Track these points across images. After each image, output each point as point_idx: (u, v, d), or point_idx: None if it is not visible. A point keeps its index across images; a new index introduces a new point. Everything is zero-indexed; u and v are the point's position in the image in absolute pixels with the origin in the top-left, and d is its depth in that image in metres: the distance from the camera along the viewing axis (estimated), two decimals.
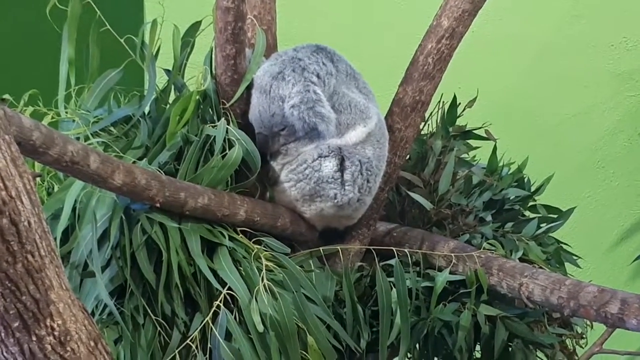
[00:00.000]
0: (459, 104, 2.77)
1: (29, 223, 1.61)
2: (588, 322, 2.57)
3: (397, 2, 3.41)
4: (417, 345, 2.48)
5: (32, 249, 1.62)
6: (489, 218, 2.68)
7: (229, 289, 2.22)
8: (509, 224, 2.68)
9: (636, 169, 3.85)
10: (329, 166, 2.40)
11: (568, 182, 3.55)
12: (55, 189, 2.39)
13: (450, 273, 2.44)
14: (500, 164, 2.79)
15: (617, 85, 3.78)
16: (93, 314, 2.24)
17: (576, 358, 2.65)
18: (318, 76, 2.38)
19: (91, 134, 2.37)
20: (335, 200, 2.42)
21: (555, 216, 2.78)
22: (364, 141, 2.44)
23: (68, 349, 1.71)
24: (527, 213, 2.79)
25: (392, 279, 2.41)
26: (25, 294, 1.63)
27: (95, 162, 2.02)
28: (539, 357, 2.53)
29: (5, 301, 1.62)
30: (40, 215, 1.66)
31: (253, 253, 2.30)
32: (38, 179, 2.32)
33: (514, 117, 3.62)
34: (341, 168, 2.41)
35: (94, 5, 2.40)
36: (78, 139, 2.32)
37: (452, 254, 2.46)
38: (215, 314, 2.21)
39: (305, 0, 3.39)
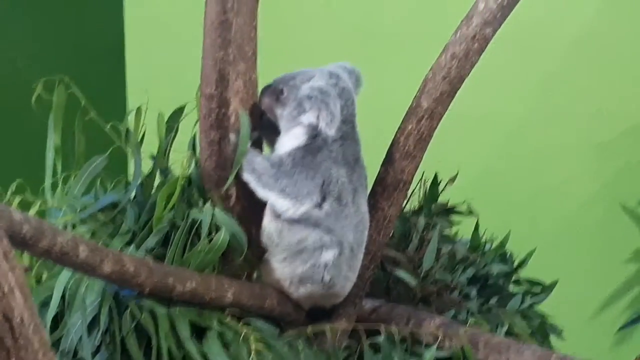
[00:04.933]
0: (440, 181, 2.82)
1: (22, 319, 1.63)
2: None
3: (380, 83, 3.46)
4: None
5: (25, 343, 1.64)
6: (473, 293, 2.71)
7: None
8: (494, 299, 2.71)
9: (616, 238, 3.88)
10: (329, 256, 2.43)
11: (550, 251, 3.57)
12: (44, 276, 2.40)
13: (438, 349, 2.45)
14: (483, 239, 2.83)
15: (595, 155, 3.82)
16: None
17: None
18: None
19: (79, 221, 2.39)
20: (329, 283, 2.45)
21: (539, 289, 2.82)
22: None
23: None
24: (511, 287, 2.82)
25: (379, 356, 2.42)
26: None
27: (84, 252, 2.04)
28: None
29: None
30: (33, 308, 1.68)
31: (242, 335, 2.31)
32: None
33: (494, 191, 3.66)
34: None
35: (78, 94, 2.45)
36: (66, 227, 2.35)
37: (439, 331, 2.48)
38: None
39: None
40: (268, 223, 2.42)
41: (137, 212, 2.44)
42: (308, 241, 2.42)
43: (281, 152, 2.43)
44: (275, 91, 2.45)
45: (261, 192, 2.41)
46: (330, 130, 2.37)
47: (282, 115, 2.44)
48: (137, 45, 3.50)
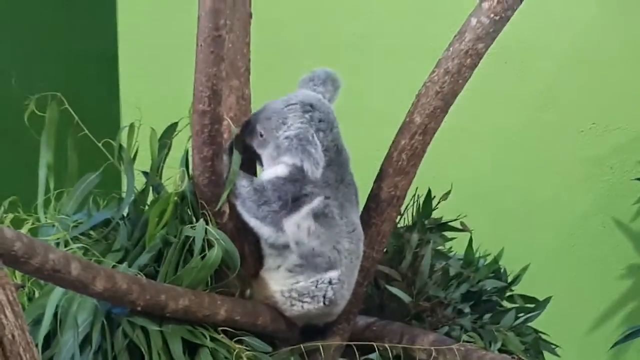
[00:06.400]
0: (434, 197, 2.81)
1: (13, 336, 1.63)
2: None
3: (372, 97, 3.46)
4: None
5: None
6: (467, 310, 2.70)
7: None
8: (487, 315, 2.71)
9: (611, 252, 3.89)
10: (334, 274, 2.44)
11: (544, 267, 3.58)
12: (36, 294, 2.39)
13: None
14: (477, 254, 2.83)
15: (588, 170, 3.83)
16: None
17: None
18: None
19: (71, 238, 2.38)
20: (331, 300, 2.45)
21: (533, 305, 2.81)
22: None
23: None
24: (504, 303, 2.82)
25: None
26: None
27: (76, 269, 2.03)
28: None
29: None
30: (24, 326, 1.68)
31: (235, 353, 2.30)
32: None
33: (488, 206, 3.66)
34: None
35: (71, 111, 2.44)
36: (58, 244, 2.34)
37: (432, 348, 2.47)
38: None
39: None
40: (302, 220, 2.41)
41: (130, 229, 2.44)
42: (324, 254, 2.42)
43: (263, 179, 2.42)
44: (254, 132, 2.43)
45: (245, 216, 2.42)
46: (316, 175, 2.36)
47: (264, 154, 2.44)
48: (131, 62, 3.49)
